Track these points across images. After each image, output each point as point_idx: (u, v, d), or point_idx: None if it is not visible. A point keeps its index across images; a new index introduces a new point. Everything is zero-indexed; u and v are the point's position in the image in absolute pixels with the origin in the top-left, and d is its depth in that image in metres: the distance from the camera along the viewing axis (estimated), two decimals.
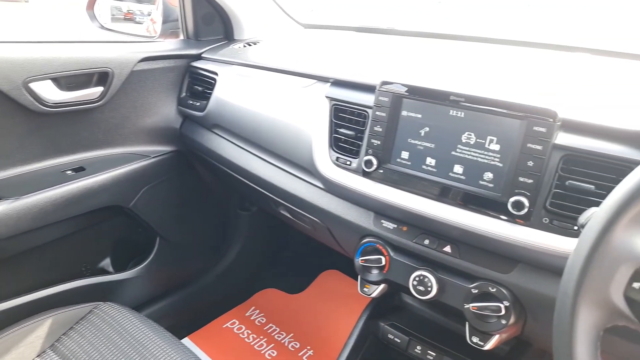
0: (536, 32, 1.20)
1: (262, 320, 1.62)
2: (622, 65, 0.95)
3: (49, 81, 1.06)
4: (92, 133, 1.19)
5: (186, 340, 1.51)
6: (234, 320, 1.61)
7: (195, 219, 1.52)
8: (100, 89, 1.14)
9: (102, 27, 1.43)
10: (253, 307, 1.67)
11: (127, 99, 1.22)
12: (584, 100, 0.74)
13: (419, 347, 0.93)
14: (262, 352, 1.48)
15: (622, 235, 0.42)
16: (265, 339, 1.53)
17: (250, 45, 1.30)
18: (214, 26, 1.37)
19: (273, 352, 1.48)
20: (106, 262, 1.36)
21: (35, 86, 1.03)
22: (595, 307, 0.43)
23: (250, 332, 1.56)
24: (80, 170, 1.17)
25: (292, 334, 1.55)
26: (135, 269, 1.34)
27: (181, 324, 1.53)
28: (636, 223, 0.42)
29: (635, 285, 0.41)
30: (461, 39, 1.22)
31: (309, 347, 1.49)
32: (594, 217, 0.44)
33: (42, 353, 0.95)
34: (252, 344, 1.51)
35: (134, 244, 1.41)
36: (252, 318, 1.62)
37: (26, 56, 1.01)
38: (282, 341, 1.52)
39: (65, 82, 1.09)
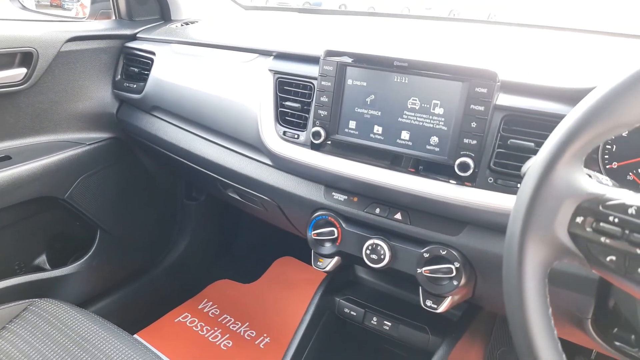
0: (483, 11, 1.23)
1: (216, 312, 1.57)
2: (556, 37, 1.00)
3: None
4: (18, 119, 1.10)
5: (135, 338, 1.43)
6: (186, 314, 1.55)
7: (139, 210, 1.45)
8: (23, 70, 1.06)
9: (24, 7, 1.33)
10: (206, 300, 1.62)
11: (56, 82, 1.13)
12: (522, 64, 0.76)
13: (375, 319, 0.93)
14: (217, 343, 1.44)
15: (563, 173, 0.43)
16: (220, 330, 1.49)
17: (188, 24, 1.25)
18: (149, 6, 1.30)
19: (229, 343, 1.44)
20: (42, 259, 1.27)
21: None
22: (541, 244, 0.43)
23: (203, 324, 1.51)
24: (6, 159, 1.08)
25: (247, 323, 1.52)
26: (75, 264, 1.26)
27: (129, 321, 1.45)
28: (576, 160, 0.43)
29: (578, 219, 0.42)
30: (404, 17, 1.23)
31: (265, 335, 1.47)
32: (536, 157, 0.44)
33: None
34: (206, 336, 1.46)
35: (73, 239, 1.32)
36: (205, 310, 1.57)
37: None
38: (238, 331, 1.49)
39: None
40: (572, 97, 0.67)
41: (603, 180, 0.47)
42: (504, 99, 0.69)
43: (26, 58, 1.06)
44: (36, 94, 1.11)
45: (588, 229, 0.42)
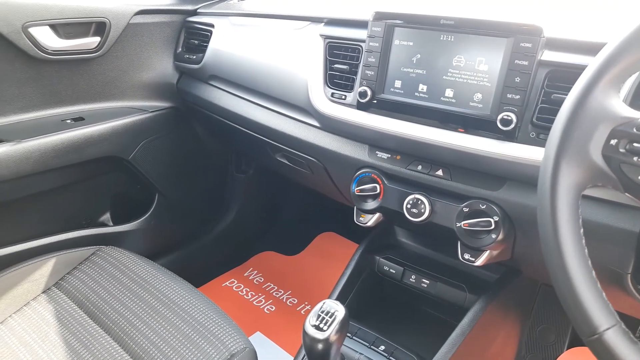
0: None
1: (260, 279, 1.65)
2: None
3: (48, 27, 1.07)
4: (91, 85, 1.21)
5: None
6: (232, 280, 1.64)
7: (193, 179, 1.54)
8: (97, 39, 1.16)
9: None
10: (251, 268, 1.70)
11: (124, 52, 1.24)
12: (566, 21, 0.77)
13: (413, 277, 0.96)
14: (261, 307, 1.51)
15: (600, 98, 0.45)
16: (264, 296, 1.56)
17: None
18: None
19: (272, 307, 1.51)
20: (106, 217, 1.38)
21: (34, 31, 1.05)
22: (576, 166, 0.45)
23: (249, 289, 1.59)
24: (79, 120, 1.19)
25: (289, 292, 1.58)
26: (135, 222, 1.37)
27: None
28: (612, 86, 0.45)
29: (612, 142, 0.44)
30: None
31: (306, 302, 1.53)
32: (575, 83, 0.46)
33: (47, 290, 0.97)
34: (250, 300, 1.54)
35: (134, 200, 1.43)
36: (250, 278, 1.65)
37: (26, 1, 1.03)
38: (280, 298, 1.56)
39: (64, 30, 1.11)
40: None
41: None
42: (548, 55, 0.71)
43: (99, 28, 1.16)
44: (107, 62, 1.21)
45: (621, 150, 0.44)
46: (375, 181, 0.89)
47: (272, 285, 1.61)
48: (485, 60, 0.75)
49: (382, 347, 0.82)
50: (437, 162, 0.83)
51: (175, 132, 1.41)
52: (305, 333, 0.63)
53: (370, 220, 0.91)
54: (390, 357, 0.81)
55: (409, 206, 0.84)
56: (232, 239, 1.71)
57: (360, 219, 0.92)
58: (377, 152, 0.90)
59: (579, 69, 0.68)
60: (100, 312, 0.90)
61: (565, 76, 0.70)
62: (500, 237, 0.77)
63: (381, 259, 1.00)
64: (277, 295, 1.56)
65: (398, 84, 0.84)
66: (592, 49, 0.69)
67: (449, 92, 0.79)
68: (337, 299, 0.94)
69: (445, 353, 0.78)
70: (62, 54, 1.12)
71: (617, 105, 0.45)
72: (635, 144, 0.43)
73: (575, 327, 0.44)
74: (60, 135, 1.12)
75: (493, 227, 0.76)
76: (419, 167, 0.85)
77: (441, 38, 0.78)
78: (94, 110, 1.24)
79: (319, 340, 0.61)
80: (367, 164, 0.91)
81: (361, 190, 0.89)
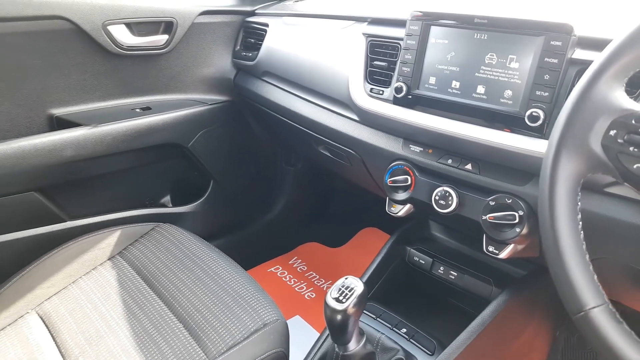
0: None
1: (304, 268, 1.72)
2: None
3: (123, 26, 1.21)
4: (158, 78, 1.35)
5: None
6: (277, 266, 1.73)
7: (245, 169, 1.65)
8: (165, 36, 1.29)
9: None
10: (296, 257, 1.78)
11: (188, 49, 1.36)
12: (598, 20, 0.77)
13: (441, 268, 0.99)
14: (302, 293, 1.59)
15: (603, 90, 0.47)
16: (305, 284, 1.64)
17: (298, 1, 1.40)
18: None
19: (312, 294, 1.58)
20: (166, 199, 1.52)
21: (112, 29, 1.19)
22: (576, 155, 0.48)
23: (292, 276, 1.67)
24: (147, 109, 1.32)
25: (330, 281, 1.64)
26: (190, 205, 1.49)
27: None
28: (616, 80, 0.47)
29: (611, 132, 0.46)
30: None
31: None
32: (580, 78, 0.49)
33: (112, 258, 1.10)
34: (293, 286, 1.62)
35: (191, 185, 1.56)
36: (294, 266, 1.74)
37: (106, 2, 1.17)
38: (321, 286, 1.62)
39: (137, 28, 1.24)
40: None
41: None
42: (580, 54, 0.72)
43: (168, 26, 1.29)
44: (173, 58, 1.34)
45: (619, 140, 0.46)
46: (407, 173, 0.93)
47: (314, 274, 1.68)
48: (517, 58, 0.77)
49: (404, 330, 0.86)
50: (467, 156, 0.86)
51: (231, 124, 1.52)
52: (326, 304, 0.69)
53: (401, 210, 0.96)
54: (411, 340, 0.85)
55: (437, 198, 0.87)
56: (279, 228, 1.80)
57: (392, 209, 0.97)
58: (410, 145, 0.94)
59: None
60: (154, 279, 1.02)
61: None
62: (525, 231, 0.78)
63: (412, 249, 1.04)
64: (318, 284, 1.63)
65: (432, 80, 0.88)
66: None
67: (480, 89, 0.82)
68: (366, 283, 0.99)
69: (463, 340, 0.80)
70: (135, 50, 1.26)
71: (620, 97, 0.47)
72: (632, 135, 0.45)
73: (565, 305, 0.47)
74: (129, 122, 1.25)
75: (517, 221, 0.78)
76: (449, 161, 0.88)
77: (475, 36, 0.81)
78: (160, 101, 1.37)
79: (338, 311, 0.67)
80: (401, 157, 0.95)
81: (393, 182, 0.94)
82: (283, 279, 1.66)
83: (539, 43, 0.74)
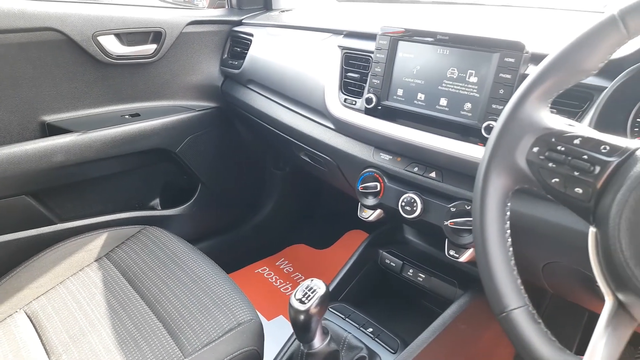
0: None
1: (290, 269, 1.77)
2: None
3: (113, 36, 1.26)
4: (147, 86, 1.39)
5: None
6: (264, 267, 1.77)
7: (234, 173, 1.69)
8: (154, 46, 1.34)
9: None
10: (283, 258, 1.83)
11: (177, 58, 1.41)
12: (549, 38, 0.82)
13: (411, 271, 1.03)
14: (287, 294, 1.63)
15: (528, 111, 0.52)
16: (291, 285, 1.68)
17: (284, 11, 1.45)
18: None
19: None
20: (156, 202, 1.57)
21: (102, 39, 1.24)
22: (504, 169, 0.52)
23: (278, 277, 1.72)
24: (136, 115, 1.37)
25: None
26: (180, 207, 1.54)
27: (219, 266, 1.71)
28: (541, 101, 0.51)
29: (535, 149, 0.51)
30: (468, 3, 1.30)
31: None
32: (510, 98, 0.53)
33: (98, 259, 1.14)
34: (278, 287, 1.67)
35: (180, 189, 1.61)
36: (281, 267, 1.78)
37: (96, 13, 1.22)
38: None
39: (126, 38, 1.29)
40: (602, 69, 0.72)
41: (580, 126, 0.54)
42: (532, 70, 0.76)
43: (156, 36, 1.34)
44: (162, 66, 1.39)
45: (541, 157, 0.50)
46: (377, 180, 0.97)
47: (300, 275, 1.73)
48: (475, 73, 0.82)
49: (370, 329, 0.91)
50: (431, 164, 0.91)
51: (219, 129, 1.56)
52: (290, 305, 0.74)
53: (372, 215, 1.00)
54: (376, 339, 0.89)
55: (403, 204, 0.92)
56: (267, 231, 1.85)
57: (363, 214, 1.01)
58: (381, 153, 0.99)
59: None
60: (138, 280, 1.06)
61: None
62: None
63: (384, 252, 1.08)
64: None
65: (400, 92, 0.92)
66: None
67: (443, 101, 0.86)
68: (337, 285, 1.04)
69: (424, 339, 0.85)
70: (124, 59, 1.30)
71: (544, 117, 0.51)
72: (551, 152, 0.49)
73: (490, 306, 0.51)
74: (118, 128, 1.30)
75: None
76: (415, 169, 0.92)
77: (438, 52, 0.86)
78: (149, 107, 1.42)
79: (300, 312, 0.71)
80: (372, 164, 1.00)
81: (364, 188, 0.98)
82: (269, 279, 1.71)
83: (495, 59, 0.78)
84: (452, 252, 0.88)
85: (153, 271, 1.08)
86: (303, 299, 0.72)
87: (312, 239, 1.90)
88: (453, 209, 0.86)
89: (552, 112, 0.73)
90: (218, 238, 1.71)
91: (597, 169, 0.46)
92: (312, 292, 0.73)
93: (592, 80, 0.72)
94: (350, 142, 1.05)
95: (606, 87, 0.69)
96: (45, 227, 1.27)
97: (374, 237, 1.11)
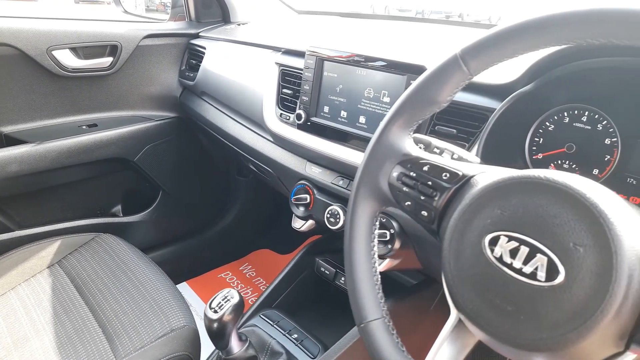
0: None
1: (253, 274, 1.82)
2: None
3: (68, 50, 1.31)
4: (106, 97, 1.44)
5: (184, 284, 1.74)
6: (228, 272, 1.82)
7: (196, 180, 1.74)
8: (110, 59, 1.38)
9: (125, 11, 1.69)
10: (247, 263, 1.88)
11: (134, 70, 1.45)
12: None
13: (343, 279, 1.08)
14: (247, 298, 1.68)
15: (390, 140, 0.56)
16: (251, 289, 1.73)
17: (240, 25, 1.50)
18: (213, 10, 1.57)
19: (255, 299, 1.67)
20: (117, 208, 1.61)
21: (57, 54, 1.28)
22: (370, 192, 0.57)
23: (239, 282, 1.76)
24: (93, 126, 1.42)
25: None
26: (139, 214, 1.58)
27: (181, 270, 1.76)
28: (401, 130, 0.56)
29: (394, 174, 0.56)
30: (416, 20, 1.34)
31: None
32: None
33: (50, 266, 1.19)
34: (239, 291, 1.71)
35: (143, 196, 1.65)
36: (244, 272, 1.83)
37: (49, 28, 1.27)
38: None
39: (82, 52, 1.34)
40: (495, 92, 0.77)
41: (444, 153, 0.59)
42: None
43: (113, 49, 1.38)
44: (119, 78, 1.43)
45: (399, 181, 0.55)
46: (307, 192, 1.02)
47: (262, 280, 1.77)
48: (388, 93, 0.86)
49: (295, 335, 0.96)
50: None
51: (179, 138, 1.61)
52: (204, 314, 0.79)
53: (304, 225, 1.05)
54: (298, 345, 0.94)
55: (328, 215, 0.97)
56: (232, 236, 1.89)
57: (295, 224, 1.06)
58: (312, 166, 1.04)
59: (462, 106, 0.79)
60: (85, 287, 1.11)
61: (449, 110, 0.80)
62: (397, 246, 0.87)
63: (320, 260, 1.13)
64: (263, 289, 1.72)
65: (326, 109, 0.97)
66: (475, 89, 0.79)
67: (362, 119, 0.91)
68: (271, 292, 1.09)
69: (342, 344, 0.89)
70: (81, 72, 1.35)
71: (405, 145, 0.56)
72: (405, 177, 0.54)
73: (354, 316, 0.56)
74: (74, 139, 1.35)
75: (388, 238, 0.87)
76: (341, 182, 0.97)
77: (357, 72, 0.91)
78: (107, 118, 1.46)
79: (213, 320, 0.76)
80: (304, 177, 1.05)
81: (296, 199, 1.03)
82: (231, 284, 1.75)
83: (404, 81, 0.83)
84: None
85: (100, 278, 1.12)
86: (216, 308, 0.77)
87: (277, 244, 1.95)
88: None
89: (450, 132, 0.79)
90: (181, 244, 1.75)
91: (438, 194, 0.51)
92: (225, 302, 0.77)
93: (488, 103, 0.77)
94: (287, 154, 1.10)
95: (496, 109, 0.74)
96: (3, 235, 1.31)
97: (311, 245, 1.15)
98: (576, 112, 0.75)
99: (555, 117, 0.77)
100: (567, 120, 0.76)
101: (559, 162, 0.77)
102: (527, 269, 0.41)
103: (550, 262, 0.40)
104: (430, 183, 0.52)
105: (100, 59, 1.38)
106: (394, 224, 0.88)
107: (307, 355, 0.90)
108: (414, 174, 0.53)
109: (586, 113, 0.74)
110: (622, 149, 0.71)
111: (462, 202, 0.47)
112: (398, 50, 0.91)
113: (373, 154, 0.57)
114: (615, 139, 0.71)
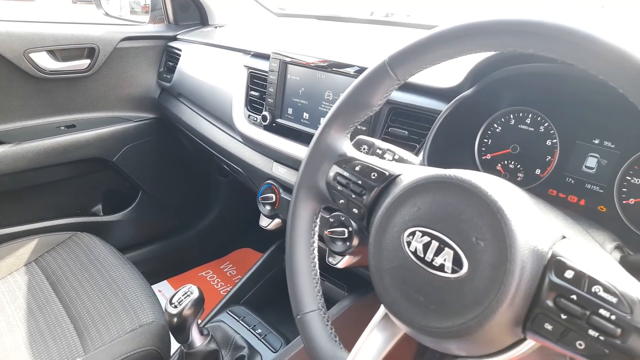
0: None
1: (233, 272, 1.84)
2: None
3: (45, 53, 1.33)
4: (84, 98, 1.46)
5: (165, 283, 1.76)
6: (209, 271, 1.85)
7: (176, 180, 1.77)
8: (88, 61, 1.41)
9: (107, 14, 1.71)
10: (228, 262, 1.90)
11: (113, 71, 1.48)
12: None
13: None
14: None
15: (327, 141, 0.59)
16: (230, 287, 1.75)
17: (217, 28, 1.52)
18: (191, 13, 1.60)
19: None
20: (98, 208, 1.64)
21: (34, 56, 1.31)
22: (309, 191, 0.60)
23: (220, 280, 1.79)
24: (71, 127, 1.44)
25: None
26: (119, 213, 1.61)
27: (162, 269, 1.78)
28: (338, 132, 0.59)
29: (331, 174, 0.59)
30: (386, 23, 1.37)
31: None
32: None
33: (27, 264, 1.21)
34: (218, 289, 1.74)
35: (123, 195, 1.68)
36: (224, 270, 1.86)
37: (26, 31, 1.29)
38: None
39: (60, 54, 1.36)
40: (444, 95, 0.80)
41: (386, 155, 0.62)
42: (394, 95, 0.84)
43: (90, 52, 1.41)
44: (97, 79, 1.46)
45: (334, 181, 0.58)
46: (273, 191, 1.05)
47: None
48: None
49: (259, 330, 0.99)
50: None
51: (158, 139, 1.64)
52: (164, 309, 0.81)
53: (270, 224, 1.08)
54: (261, 339, 0.97)
55: None
56: (213, 235, 1.92)
57: (262, 222, 1.09)
58: (279, 166, 1.07)
59: (413, 108, 0.82)
60: (60, 285, 1.13)
61: (404, 112, 0.83)
62: (355, 243, 0.90)
63: None
64: None
65: (290, 111, 1.00)
66: (424, 91, 0.82)
67: (322, 121, 0.94)
68: (239, 289, 1.12)
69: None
70: (58, 74, 1.37)
71: (341, 146, 0.59)
72: (339, 177, 0.57)
73: (292, 309, 0.59)
74: (52, 139, 1.37)
75: (347, 236, 0.90)
76: None
77: (317, 75, 0.94)
78: (86, 118, 1.49)
79: (172, 315, 0.79)
80: (271, 176, 1.08)
81: (263, 199, 1.06)
82: (211, 282, 1.78)
83: None
84: (331, 259, 0.95)
85: (75, 276, 1.15)
86: (176, 303, 0.80)
87: (257, 243, 1.97)
88: (331, 220, 0.93)
89: (402, 134, 0.82)
90: (162, 242, 1.78)
91: (367, 192, 0.54)
92: (185, 297, 0.80)
93: (436, 105, 0.80)
94: (255, 155, 1.13)
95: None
96: None
97: (281, 243, 1.18)
98: (521, 114, 0.78)
99: (503, 119, 0.80)
100: (513, 122, 0.79)
101: (505, 162, 0.80)
102: (437, 262, 0.44)
103: (456, 255, 0.43)
104: (360, 182, 0.55)
105: (78, 61, 1.40)
106: (352, 221, 0.90)
107: (269, 349, 0.93)
108: (347, 174, 0.56)
109: (530, 115, 0.77)
110: (561, 150, 0.74)
111: (386, 199, 0.51)
112: (360, 54, 0.94)
113: (312, 154, 0.60)
114: (555, 141, 0.75)
